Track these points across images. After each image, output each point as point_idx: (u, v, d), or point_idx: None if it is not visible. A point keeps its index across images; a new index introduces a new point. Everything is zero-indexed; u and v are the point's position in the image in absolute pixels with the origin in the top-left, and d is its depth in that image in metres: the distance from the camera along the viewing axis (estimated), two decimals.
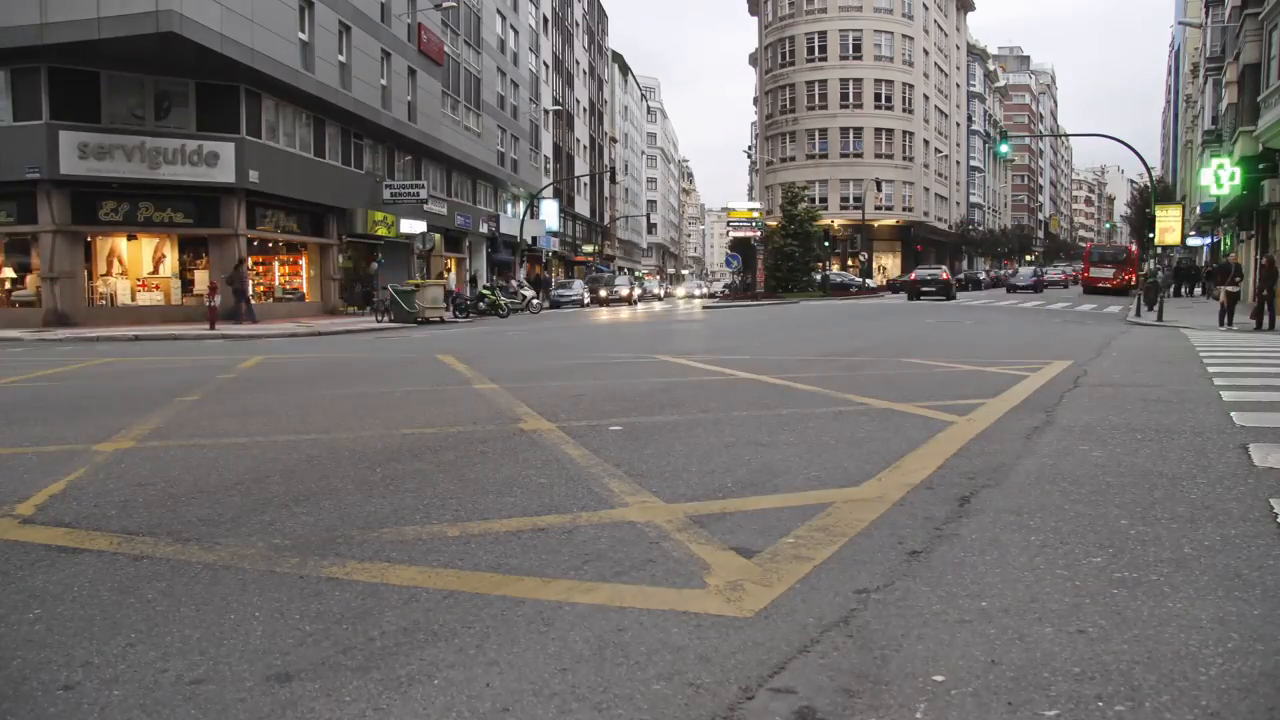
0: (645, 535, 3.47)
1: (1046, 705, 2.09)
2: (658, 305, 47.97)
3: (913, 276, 43.58)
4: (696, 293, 69.65)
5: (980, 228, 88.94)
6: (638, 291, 53.74)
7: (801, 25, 65.43)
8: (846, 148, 65.08)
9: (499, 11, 45.68)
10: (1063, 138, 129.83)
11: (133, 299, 25.49)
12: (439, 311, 26.14)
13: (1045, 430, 5.69)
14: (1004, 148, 37.30)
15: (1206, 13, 42.60)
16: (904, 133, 66.52)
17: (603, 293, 48.11)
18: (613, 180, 74.35)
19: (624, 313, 34.72)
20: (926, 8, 70.24)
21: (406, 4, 33.50)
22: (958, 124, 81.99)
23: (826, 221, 54.94)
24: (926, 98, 69.97)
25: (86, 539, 3.54)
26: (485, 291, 30.42)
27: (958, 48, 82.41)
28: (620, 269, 76.49)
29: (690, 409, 6.83)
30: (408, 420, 6.54)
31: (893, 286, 58.08)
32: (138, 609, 2.79)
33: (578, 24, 67.44)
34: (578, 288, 45.55)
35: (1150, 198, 46.25)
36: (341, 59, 29.29)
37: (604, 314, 33.60)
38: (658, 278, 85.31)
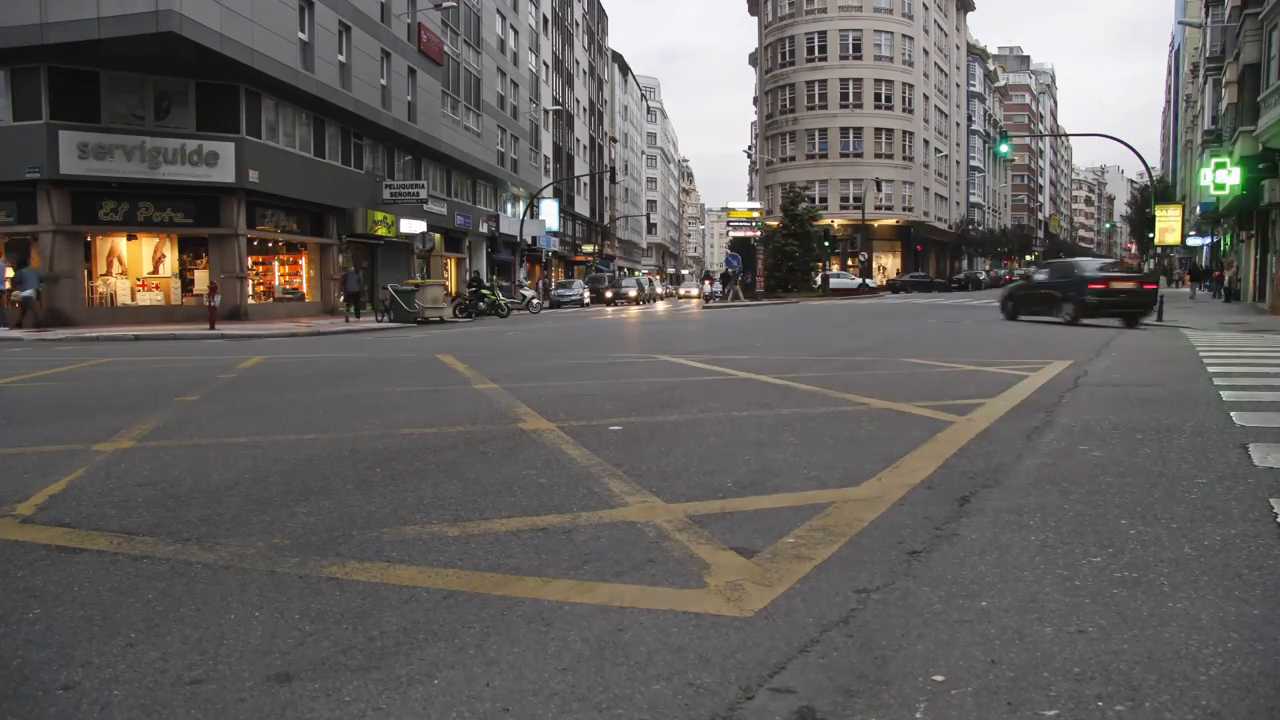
0: (645, 535, 3.47)
1: (1046, 705, 2.09)
2: (660, 306, 47.91)
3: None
4: (694, 292, 69.71)
5: (980, 228, 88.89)
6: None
7: (801, 25, 65.38)
8: (846, 148, 65.03)
9: (499, 11, 45.66)
10: (1063, 138, 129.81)
11: (133, 299, 25.51)
12: (439, 311, 26.14)
13: (1045, 430, 5.69)
14: (1004, 148, 37.30)
15: (1206, 13, 42.57)
16: (904, 133, 66.48)
17: (608, 294, 48.10)
18: (613, 180, 74.34)
19: (624, 313, 34.68)
20: (926, 8, 70.19)
21: (406, 4, 33.49)
22: (958, 124, 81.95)
23: (826, 221, 54.94)
24: (926, 98, 69.93)
25: (86, 539, 3.54)
26: (485, 291, 30.11)
27: (957, 47, 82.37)
28: (620, 269, 76.47)
29: (690, 409, 6.83)
30: (408, 420, 6.54)
31: (893, 286, 58.03)
32: (138, 609, 2.79)
33: (578, 24, 67.43)
34: (578, 287, 45.60)
35: (1150, 198, 46.26)
36: (341, 59, 29.28)
37: (605, 314, 33.58)
38: (658, 278, 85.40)
